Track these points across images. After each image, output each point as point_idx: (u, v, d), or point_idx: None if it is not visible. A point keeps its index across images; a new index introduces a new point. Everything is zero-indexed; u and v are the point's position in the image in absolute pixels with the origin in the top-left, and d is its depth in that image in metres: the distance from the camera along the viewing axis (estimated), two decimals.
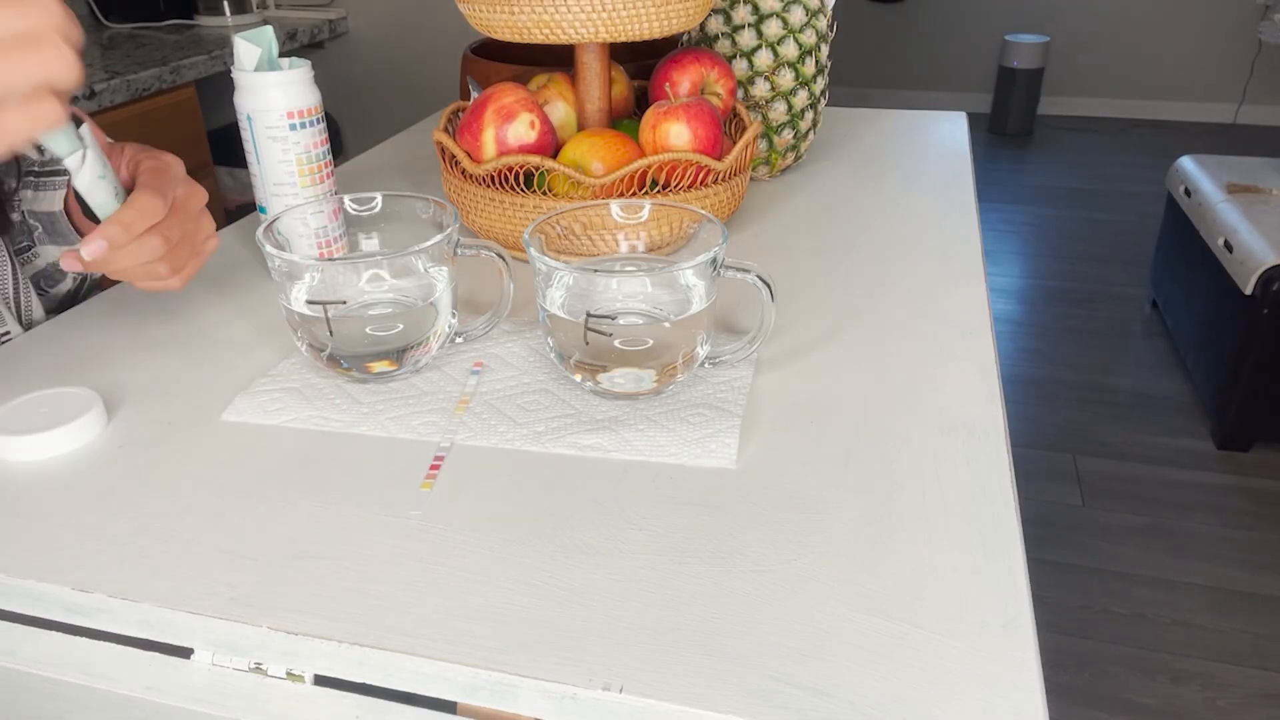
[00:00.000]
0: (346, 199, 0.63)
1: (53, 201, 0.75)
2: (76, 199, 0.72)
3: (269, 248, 0.54)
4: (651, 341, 0.52)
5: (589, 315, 0.51)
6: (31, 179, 0.75)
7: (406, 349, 0.57)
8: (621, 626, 0.40)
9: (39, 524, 0.47)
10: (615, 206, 0.60)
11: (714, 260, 0.52)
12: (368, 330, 0.56)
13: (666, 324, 0.53)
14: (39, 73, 0.44)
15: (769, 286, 0.55)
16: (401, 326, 0.56)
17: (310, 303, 0.55)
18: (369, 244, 0.64)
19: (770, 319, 0.56)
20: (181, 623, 0.42)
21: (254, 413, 0.56)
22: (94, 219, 0.67)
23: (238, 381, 0.60)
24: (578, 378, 0.55)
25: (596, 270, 0.56)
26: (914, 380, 0.58)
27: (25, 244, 0.77)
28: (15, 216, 0.75)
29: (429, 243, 0.55)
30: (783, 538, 0.45)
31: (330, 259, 0.63)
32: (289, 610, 0.41)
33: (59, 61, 0.44)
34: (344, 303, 0.55)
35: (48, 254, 0.78)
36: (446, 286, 0.58)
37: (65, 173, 0.74)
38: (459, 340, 0.62)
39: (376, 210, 0.63)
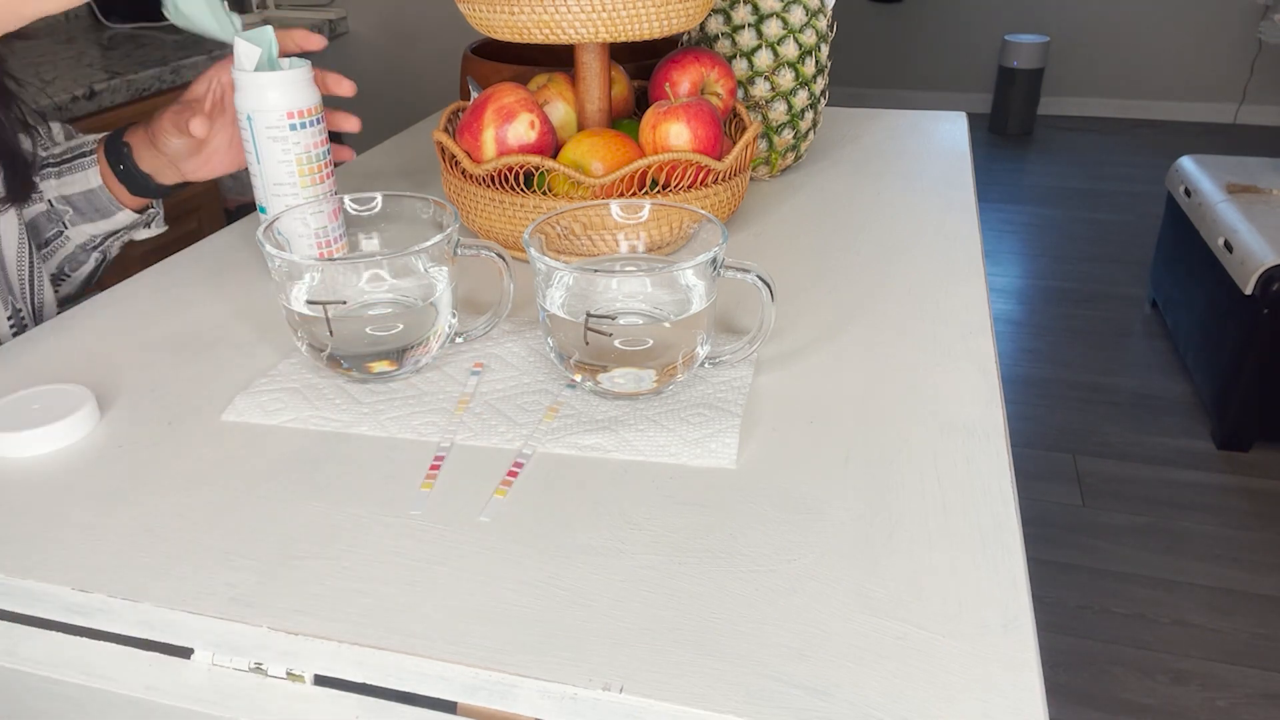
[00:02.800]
0: (347, 199, 0.63)
1: (87, 180, 0.82)
2: (115, 175, 0.81)
3: (269, 248, 0.54)
4: (651, 341, 0.52)
5: (589, 315, 0.51)
6: (53, 168, 0.82)
7: (406, 349, 0.57)
8: (621, 626, 0.40)
9: (39, 524, 0.47)
10: (615, 206, 0.60)
11: (714, 260, 0.52)
12: (368, 330, 0.56)
13: (666, 324, 0.53)
14: None
15: (769, 286, 0.55)
16: (401, 326, 0.56)
17: (310, 303, 0.55)
18: (369, 244, 0.64)
19: (770, 319, 0.56)
20: (181, 623, 0.42)
21: (254, 413, 0.56)
22: (141, 190, 0.81)
23: (238, 381, 0.60)
24: (578, 377, 0.55)
25: (596, 270, 0.55)
26: (914, 380, 0.58)
27: (55, 231, 0.84)
28: (42, 206, 0.79)
29: (429, 243, 0.55)
30: (783, 538, 0.45)
31: (330, 259, 0.63)
32: (289, 610, 0.41)
33: None
34: (344, 303, 0.55)
35: (79, 234, 0.84)
36: (446, 286, 0.58)
37: (90, 153, 0.82)
38: (459, 340, 0.62)
39: (376, 210, 0.63)
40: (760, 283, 0.55)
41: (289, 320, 0.57)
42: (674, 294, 0.54)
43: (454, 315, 0.60)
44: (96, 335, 0.67)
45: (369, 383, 0.59)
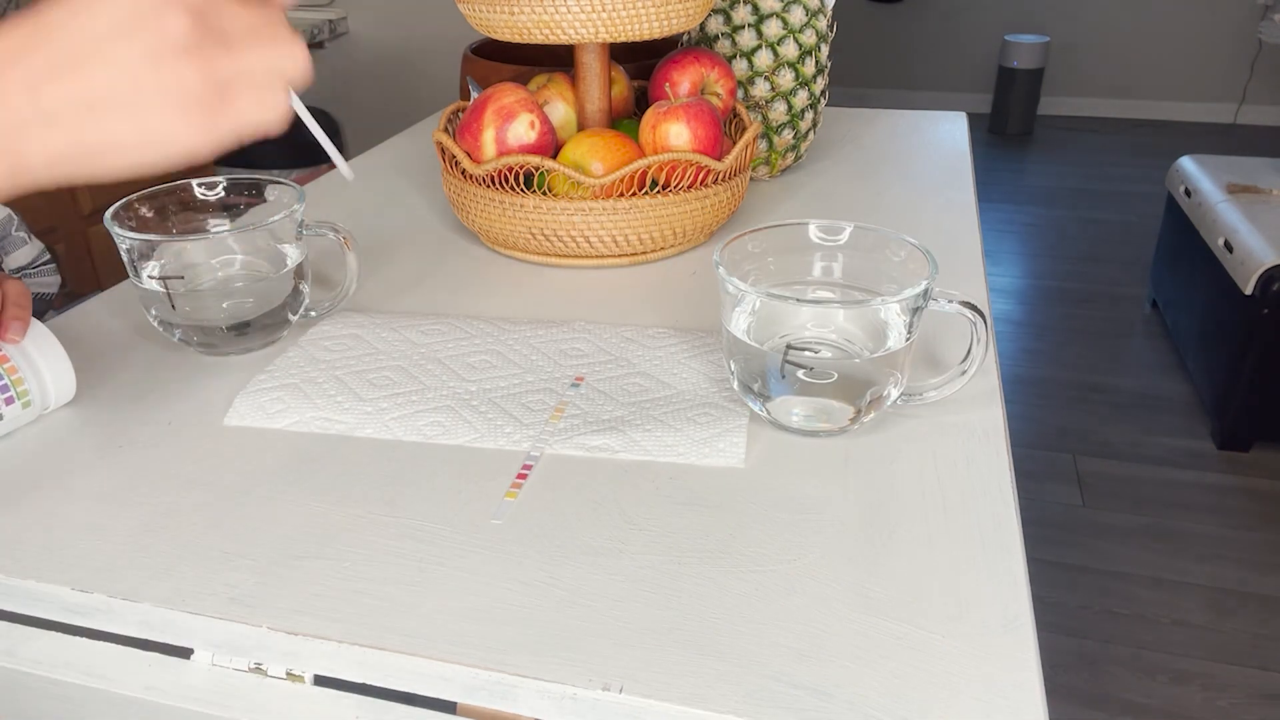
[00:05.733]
0: (195, 184, 0.66)
1: None
2: None
3: (118, 229, 0.59)
4: (837, 375, 0.49)
5: (789, 347, 0.49)
6: None
7: (258, 321, 0.62)
8: (621, 626, 0.40)
9: (39, 524, 0.47)
10: (813, 228, 0.56)
11: (923, 294, 0.48)
12: (223, 305, 0.61)
13: (858, 359, 0.50)
14: (275, 61, 0.42)
15: (983, 318, 0.51)
16: (253, 300, 0.61)
17: (151, 278, 0.59)
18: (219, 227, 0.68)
19: (981, 354, 0.53)
20: (181, 623, 0.42)
21: (255, 415, 0.56)
22: None
23: (237, 379, 0.60)
24: (757, 405, 0.53)
25: (786, 298, 0.51)
26: (914, 380, 0.58)
27: None
28: None
29: (271, 220, 0.60)
30: (783, 538, 0.45)
31: (177, 237, 0.64)
32: (289, 610, 0.41)
33: (293, 53, 0.42)
34: (181, 278, 0.60)
35: None
36: (295, 262, 0.63)
37: None
38: (312, 314, 0.66)
39: (221, 195, 0.67)
40: (972, 314, 0.51)
41: (141, 300, 0.61)
42: (866, 326, 0.51)
43: (305, 290, 0.64)
44: (98, 334, 0.67)
45: (229, 355, 0.63)
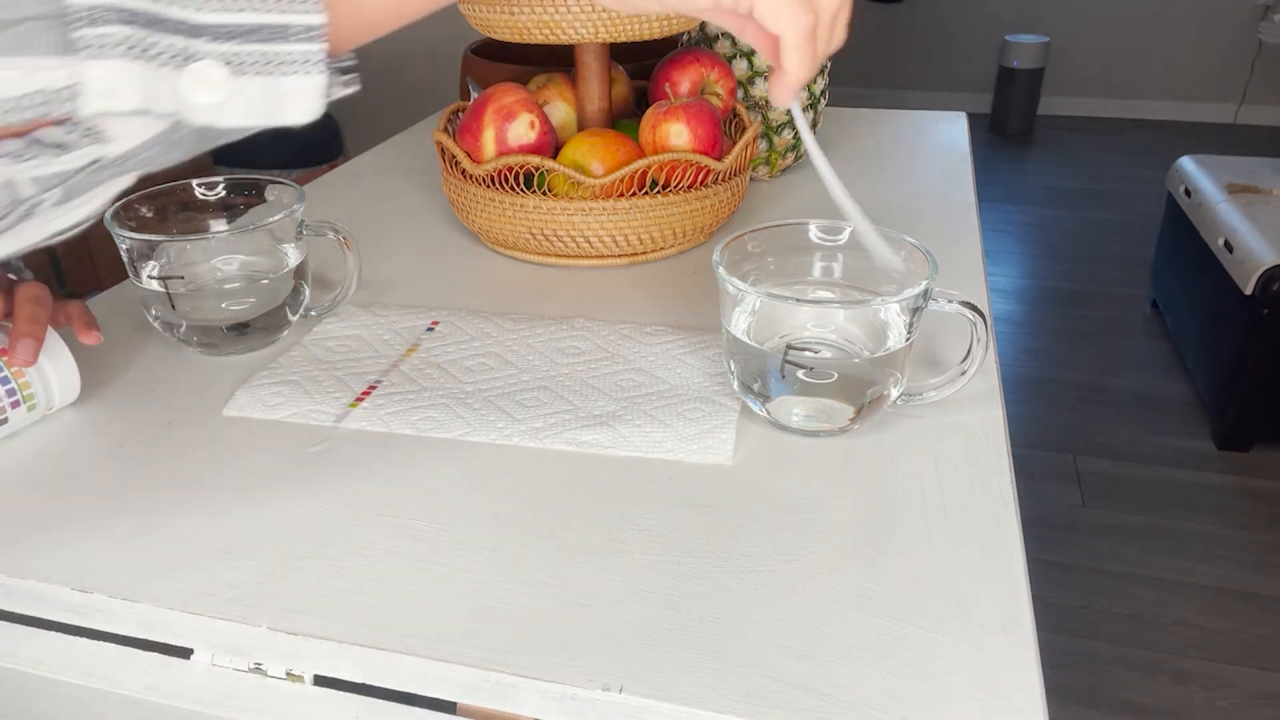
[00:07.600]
0: (195, 184, 0.66)
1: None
2: None
3: (118, 229, 0.59)
4: (837, 375, 0.49)
5: (789, 348, 0.49)
6: None
7: (258, 322, 0.62)
8: (621, 626, 0.40)
9: (39, 524, 0.47)
10: (814, 228, 0.56)
11: (923, 294, 0.48)
12: (223, 305, 0.61)
13: (858, 359, 0.50)
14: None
15: (983, 318, 0.51)
16: (253, 300, 0.61)
17: (151, 278, 0.60)
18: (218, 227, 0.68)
19: (980, 354, 0.53)
20: (181, 623, 0.42)
21: (254, 407, 0.56)
22: None
23: (237, 380, 0.60)
24: (756, 405, 0.53)
25: (786, 298, 0.52)
26: (914, 380, 0.58)
27: None
28: None
29: (270, 220, 0.60)
30: (783, 538, 0.45)
31: (177, 237, 0.64)
32: (289, 610, 0.41)
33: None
34: (181, 278, 0.60)
35: None
36: (295, 263, 0.63)
37: None
38: (312, 314, 0.66)
39: (223, 195, 0.67)
40: (972, 314, 0.51)
41: (141, 300, 0.62)
42: (866, 327, 0.51)
43: (305, 289, 0.65)
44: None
45: (228, 355, 0.63)
